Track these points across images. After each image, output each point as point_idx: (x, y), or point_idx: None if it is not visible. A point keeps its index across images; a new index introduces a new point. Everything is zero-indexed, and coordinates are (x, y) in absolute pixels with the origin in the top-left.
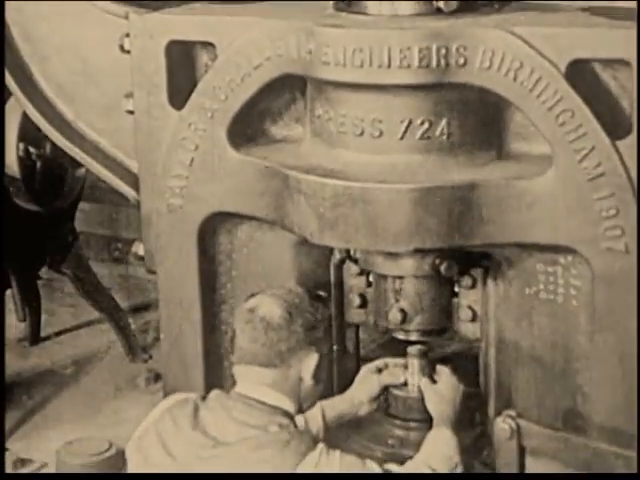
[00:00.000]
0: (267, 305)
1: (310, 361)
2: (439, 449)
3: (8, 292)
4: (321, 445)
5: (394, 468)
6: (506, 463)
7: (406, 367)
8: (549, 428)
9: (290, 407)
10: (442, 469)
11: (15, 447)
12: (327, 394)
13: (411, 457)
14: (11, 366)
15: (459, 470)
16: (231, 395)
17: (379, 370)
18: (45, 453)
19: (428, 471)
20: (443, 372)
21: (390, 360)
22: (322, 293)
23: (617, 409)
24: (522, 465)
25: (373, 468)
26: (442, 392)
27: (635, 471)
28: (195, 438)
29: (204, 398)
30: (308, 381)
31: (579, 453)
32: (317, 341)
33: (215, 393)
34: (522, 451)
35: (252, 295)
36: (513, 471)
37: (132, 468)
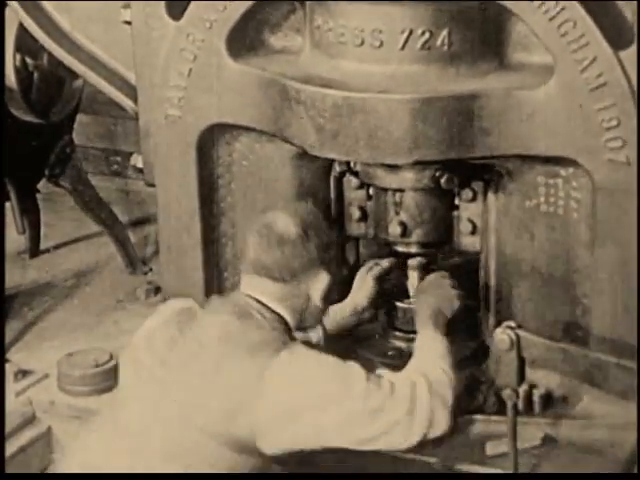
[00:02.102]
0: (284, 221)
1: (320, 281)
2: (428, 353)
3: (7, 205)
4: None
5: (386, 374)
6: (506, 374)
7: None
8: (549, 340)
9: (290, 320)
10: (434, 373)
11: (16, 358)
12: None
13: None
14: (11, 278)
15: (448, 366)
16: (232, 296)
17: (370, 269)
18: (46, 364)
19: (421, 379)
20: (432, 274)
21: (380, 260)
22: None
23: (617, 320)
24: (522, 376)
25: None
26: (423, 287)
27: (635, 378)
28: (186, 344)
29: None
30: (316, 301)
31: (579, 363)
32: (329, 262)
33: (214, 298)
34: (522, 362)
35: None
36: (512, 382)
37: (123, 378)
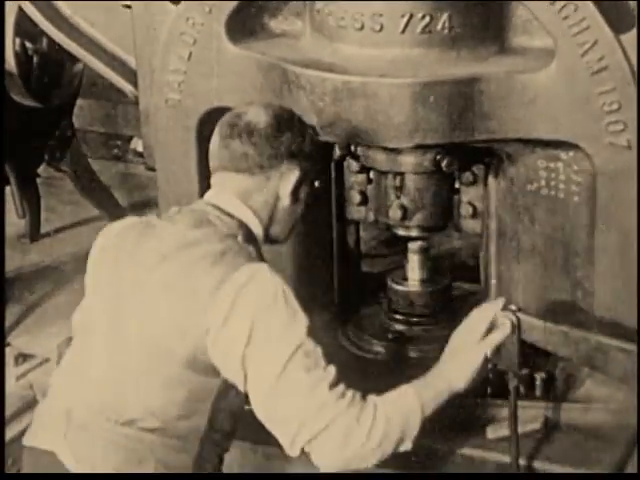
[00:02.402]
0: (255, 111)
1: (290, 176)
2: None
3: (7, 189)
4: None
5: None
6: (507, 358)
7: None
8: (550, 323)
9: (256, 226)
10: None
11: (16, 342)
12: (327, 290)
13: (409, 352)
14: (12, 262)
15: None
16: (190, 206)
17: None
18: (47, 348)
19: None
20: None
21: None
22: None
23: (617, 303)
24: (523, 360)
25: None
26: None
27: (635, 361)
28: (143, 257)
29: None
30: (284, 198)
31: (580, 347)
32: (302, 159)
33: (172, 209)
34: (523, 346)
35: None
36: (514, 366)
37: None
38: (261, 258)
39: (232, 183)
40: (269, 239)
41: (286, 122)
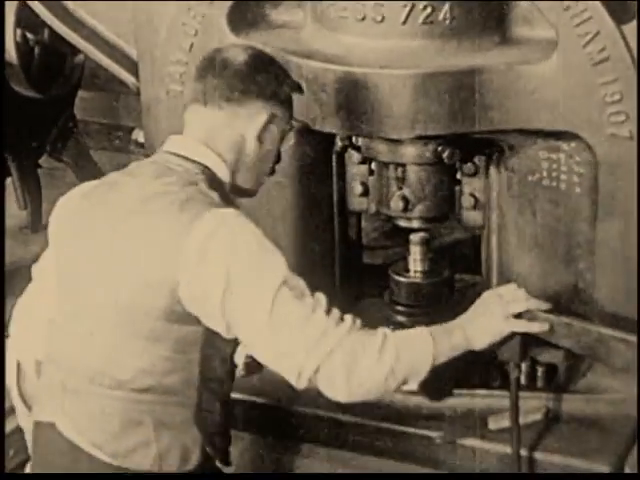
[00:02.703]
0: (235, 49)
1: (258, 118)
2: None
3: (8, 180)
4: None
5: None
6: (509, 350)
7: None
8: (551, 314)
9: (222, 170)
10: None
11: None
12: (329, 282)
13: None
14: (13, 253)
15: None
16: (154, 157)
17: None
18: None
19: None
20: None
21: None
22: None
23: (619, 294)
24: (525, 352)
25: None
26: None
27: (635, 352)
28: (107, 214)
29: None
30: (250, 141)
31: (581, 338)
32: (273, 104)
33: (132, 164)
34: (524, 337)
35: None
36: (515, 357)
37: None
38: (230, 204)
39: (200, 122)
40: (236, 189)
41: (264, 64)
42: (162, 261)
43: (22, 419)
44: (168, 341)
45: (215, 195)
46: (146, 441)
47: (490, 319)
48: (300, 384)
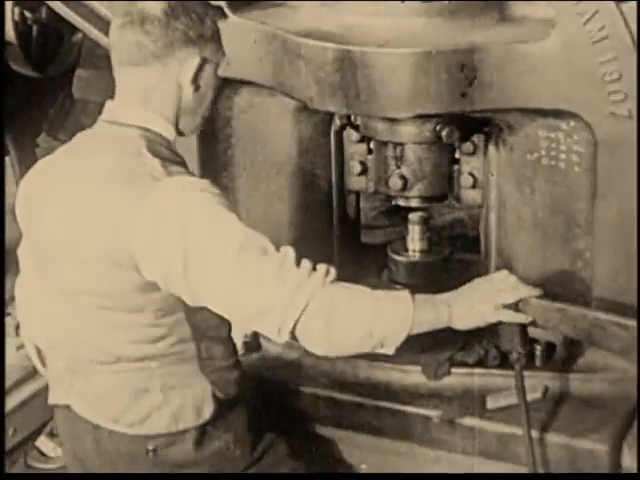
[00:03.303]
0: (151, 3)
1: (190, 63)
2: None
3: (7, 159)
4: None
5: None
6: (509, 338)
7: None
8: (550, 294)
9: (165, 128)
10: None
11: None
12: (327, 261)
13: None
14: (12, 232)
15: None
16: (94, 129)
17: None
18: None
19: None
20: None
21: None
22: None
23: (617, 273)
24: (525, 339)
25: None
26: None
27: (633, 335)
28: (59, 196)
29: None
30: (187, 87)
31: (577, 324)
32: (202, 44)
33: (78, 135)
34: (524, 325)
35: None
36: (516, 346)
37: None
38: (178, 163)
39: (132, 83)
40: (180, 133)
41: (181, 7)
42: (119, 241)
43: None
44: (149, 310)
45: (157, 163)
46: (158, 405)
47: (478, 304)
48: (281, 339)
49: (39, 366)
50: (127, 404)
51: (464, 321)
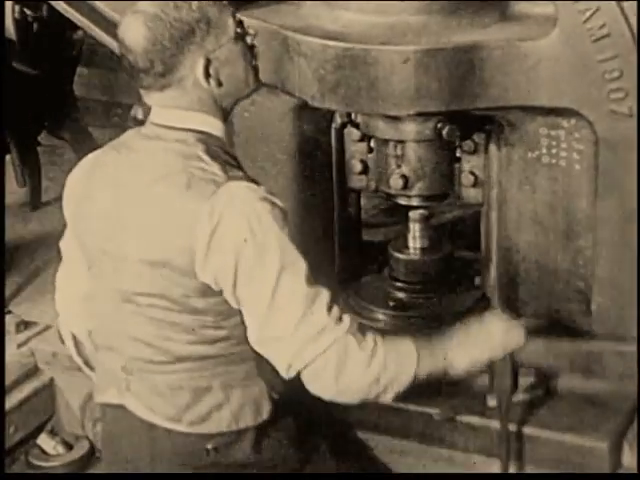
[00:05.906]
0: (131, 32)
1: (197, 65)
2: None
3: (8, 158)
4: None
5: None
6: (500, 381)
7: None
8: (549, 290)
9: (214, 126)
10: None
11: (18, 310)
12: (328, 259)
13: (411, 318)
14: (13, 230)
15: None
16: (146, 131)
17: None
18: (48, 316)
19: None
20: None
21: None
22: None
23: (618, 271)
24: (515, 384)
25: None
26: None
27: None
28: (113, 203)
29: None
30: (202, 82)
31: (574, 358)
32: (198, 44)
33: (130, 133)
34: (515, 368)
35: None
36: (506, 388)
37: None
38: (232, 165)
39: (165, 103)
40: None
41: (161, 21)
42: (178, 246)
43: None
44: (211, 313)
45: (216, 167)
46: (218, 404)
47: (478, 349)
48: (288, 375)
49: (77, 357)
50: (187, 403)
51: (463, 369)
